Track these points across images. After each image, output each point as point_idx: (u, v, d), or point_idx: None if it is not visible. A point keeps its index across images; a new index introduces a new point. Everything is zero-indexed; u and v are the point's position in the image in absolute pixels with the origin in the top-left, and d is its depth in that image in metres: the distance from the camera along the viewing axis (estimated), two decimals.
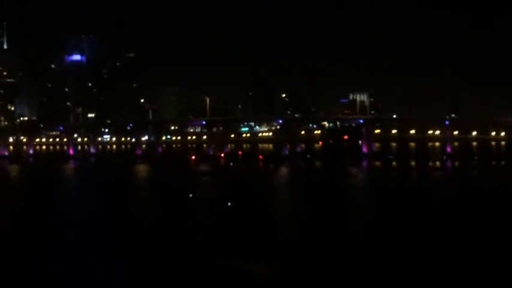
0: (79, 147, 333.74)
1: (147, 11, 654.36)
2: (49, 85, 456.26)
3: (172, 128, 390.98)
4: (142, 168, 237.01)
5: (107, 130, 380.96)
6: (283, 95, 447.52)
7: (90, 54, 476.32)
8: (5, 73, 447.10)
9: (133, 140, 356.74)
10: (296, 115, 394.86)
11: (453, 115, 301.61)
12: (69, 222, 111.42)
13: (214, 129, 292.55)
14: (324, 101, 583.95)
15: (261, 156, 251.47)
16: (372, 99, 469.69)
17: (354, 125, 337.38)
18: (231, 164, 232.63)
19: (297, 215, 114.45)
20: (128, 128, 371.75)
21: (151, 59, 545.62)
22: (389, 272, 70.73)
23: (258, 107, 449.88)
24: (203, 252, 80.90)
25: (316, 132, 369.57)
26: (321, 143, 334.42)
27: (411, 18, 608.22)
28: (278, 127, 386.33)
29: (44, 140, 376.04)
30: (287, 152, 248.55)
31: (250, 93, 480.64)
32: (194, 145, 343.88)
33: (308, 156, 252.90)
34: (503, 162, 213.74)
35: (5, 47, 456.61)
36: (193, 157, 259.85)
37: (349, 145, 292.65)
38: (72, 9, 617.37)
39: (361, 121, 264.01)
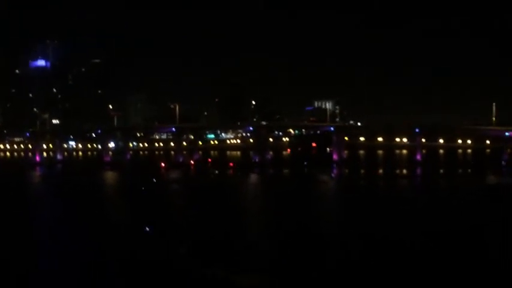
0: (44, 153, 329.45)
1: (115, 16, 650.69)
2: (13, 90, 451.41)
3: (138, 134, 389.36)
4: (111, 175, 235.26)
5: (71, 136, 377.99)
6: (253, 102, 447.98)
7: (55, 60, 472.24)
8: None
9: (100, 146, 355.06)
10: (262, 122, 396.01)
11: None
12: (35, 229, 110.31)
13: (184, 136, 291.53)
14: (289, 109, 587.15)
15: (231, 164, 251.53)
16: (337, 107, 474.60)
17: (318, 132, 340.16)
18: (202, 171, 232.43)
19: (270, 222, 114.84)
20: (93, 134, 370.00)
21: (117, 66, 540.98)
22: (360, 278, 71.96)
23: (223, 114, 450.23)
24: (176, 258, 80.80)
25: (284, 139, 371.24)
26: (289, 150, 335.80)
27: (375, 29, 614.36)
28: (245, 134, 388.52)
29: (8, 146, 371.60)
30: (257, 159, 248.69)
31: (216, 100, 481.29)
32: (162, 152, 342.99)
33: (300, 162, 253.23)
34: (469, 170, 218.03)
35: None
36: (163, 164, 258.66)
37: (318, 152, 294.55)
38: (36, 14, 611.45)
39: (332, 128, 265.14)
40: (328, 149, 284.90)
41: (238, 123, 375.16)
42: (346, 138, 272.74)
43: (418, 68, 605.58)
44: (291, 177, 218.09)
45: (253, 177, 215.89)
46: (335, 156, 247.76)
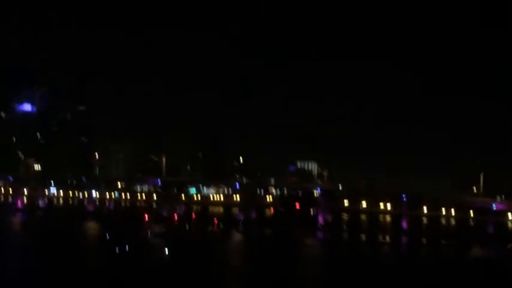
0: (25, 199, 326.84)
1: (101, 64, 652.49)
2: None
3: (120, 185, 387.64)
4: (94, 225, 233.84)
5: (53, 183, 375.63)
6: (241, 159, 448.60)
7: (40, 105, 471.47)
8: None
9: (81, 195, 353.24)
10: (244, 179, 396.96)
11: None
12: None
13: (174, 190, 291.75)
14: (271, 167, 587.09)
15: (215, 220, 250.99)
16: (319, 169, 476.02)
17: (301, 192, 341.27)
18: (186, 226, 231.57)
19: (253, 283, 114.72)
20: (74, 182, 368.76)
21: (102, 114, 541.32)
22: None
23: (206, 169, 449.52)
24: None
25: (267, 198, 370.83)
26: (272, 209, 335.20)
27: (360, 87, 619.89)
28: (228, 190, 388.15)
29: None
30: (241, 217, 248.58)
31: (200, 154, 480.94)
32: (144, 204, 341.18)
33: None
34: (452, 241, 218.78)
35: None
36: (146, 217, 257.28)
37: (301, 213, 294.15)
38: (23, 58, 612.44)
39: (319, 190, 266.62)
40: (311, 210, 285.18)
41: (219, 180, 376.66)
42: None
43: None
44: (275, 237, 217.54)
45: (237, 236, 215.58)
46: (320, 219, 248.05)
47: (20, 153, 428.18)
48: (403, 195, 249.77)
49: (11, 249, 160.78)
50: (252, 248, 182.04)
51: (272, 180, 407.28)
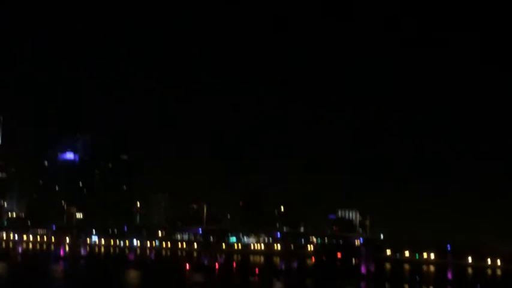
0: (67, 248, 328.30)
1: (144, 115, 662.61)
2: (40, 182, 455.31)
3: (161, 234, 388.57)
4: (135, 274, 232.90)
5: (94, 231, 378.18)
6: (282, 208, 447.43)
7: (83, 154, 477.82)
8: None
9: (122, 243, 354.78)
10: (285, 228, 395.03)
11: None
12: None
13: (211, 238, 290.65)
14: (312, 215, 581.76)
15: (257, 270, 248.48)
16: (360, 218, 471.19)
17: (341, 241, 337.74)
18: (227, 275, 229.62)
19: None
20: (115, 230, 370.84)
21: (143, 163, 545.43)
22: None
23: (247, 218, 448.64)
24: None
25: (308, 247, 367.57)
26: (313, 259, 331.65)
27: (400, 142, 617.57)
28: (268, 239, 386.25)
29: (31, 238, 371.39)
30: (283, 267, 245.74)
31: (240, 203, 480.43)
32: (185, 253, 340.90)
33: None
34: None
35: (0, 142, 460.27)
36: (187, 265, 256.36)
37: (343, 263, 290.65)
38: (69, 109, 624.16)
39: (361, 240, 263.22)
40: (353, 260, 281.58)
41: (259, 228, 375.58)
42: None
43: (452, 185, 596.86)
44: None
45: (278, 286, 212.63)
46: (363, 269, 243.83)
47: (63, 201, 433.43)
48: (448, 245, 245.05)
49: None
50: None
51: (312, 229, 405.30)
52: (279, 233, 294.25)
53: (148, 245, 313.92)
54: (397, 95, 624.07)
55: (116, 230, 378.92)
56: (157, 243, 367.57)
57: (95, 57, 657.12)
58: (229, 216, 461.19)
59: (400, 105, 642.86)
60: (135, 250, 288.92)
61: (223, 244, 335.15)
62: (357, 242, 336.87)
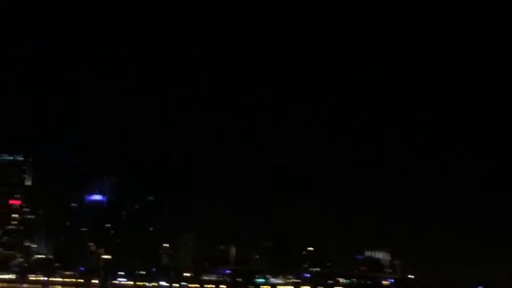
0: None
1: (169, 156, 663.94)
2: (67, 223, 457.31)
3: (187, 275, 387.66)
4: None
5: (122, 273, 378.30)
6: (310, 248, 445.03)
7: (110, 195, 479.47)
8: (26, 209, 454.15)
9: (149, 284, 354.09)
10: (312, 269, 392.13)
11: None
12: None
13: (239, 279, 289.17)
14: (340, 256, 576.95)
15: None
16: (390, 257, 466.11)
17: (369, 282, 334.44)
18: None
19: None
20: (143, 272, 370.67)
21: (169, 204, 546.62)
22: None
23: (274, 259, 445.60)
24: None
25: None
26: None
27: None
28: (297, 280, 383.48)
29: (59, 279, 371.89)
30: None
31: (268, 243, 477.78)
32: None
33: None
34: None
35: (29, 183, 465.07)
36: None
37: None
38: (95, 149, 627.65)
39: (392, 280, 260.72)
40: None
41: (287, 269, 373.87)
42: None
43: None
44: None
45: None
46: None
47: (91, 244, 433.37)
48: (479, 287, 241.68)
49: None
50: None
51: (340, 270, 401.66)
52: (307, 274, 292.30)
53: (176, 286, 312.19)
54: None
55: (143, 272, 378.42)
56: (184, 284, 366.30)
57: (122, 100, 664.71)
58: (257, 257, 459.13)
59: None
60: None
61: (251, 285, 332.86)
62: (386, 283, 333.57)
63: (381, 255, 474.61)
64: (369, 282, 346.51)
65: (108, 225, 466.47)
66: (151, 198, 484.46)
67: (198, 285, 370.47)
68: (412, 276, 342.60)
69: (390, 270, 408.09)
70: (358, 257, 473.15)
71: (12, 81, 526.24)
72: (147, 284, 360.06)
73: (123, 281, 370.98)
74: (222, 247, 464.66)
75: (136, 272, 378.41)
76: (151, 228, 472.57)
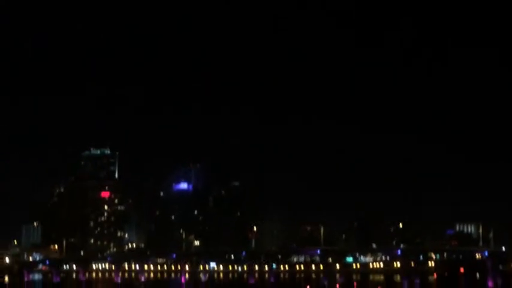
0: (187, 275, 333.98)
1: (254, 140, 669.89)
2: (157, 213, 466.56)
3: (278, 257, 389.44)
4: None
5: (212, 258, 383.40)
6: (400, 225, 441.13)
7: (196, 183, 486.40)
8: (116, 201, 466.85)
9: (240, 268, 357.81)
10: (402, 245, 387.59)
11: None
12: None
13: (329, 259, 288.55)
14: (430, 231, 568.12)
15: None
16: (482, 231, 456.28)
17: (461, 256, 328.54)
18: None
19: None
20: (232, 256, 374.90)
21: (256, 188, 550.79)
22: None
23: (362, 237, 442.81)
24: None
25: (429, 263, 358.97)
26: (435, 275, 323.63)
27: None
28: (386, 257, 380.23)
29: (152, 267, 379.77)
30: (406, 285, 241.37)
31: (355, 223, 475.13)
32: (303, 275, 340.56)
33: None
34: None
35: (117, 175, 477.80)
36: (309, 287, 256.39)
37: (467, 278, 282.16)
38: (180, 139, 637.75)
39: (486, 253, 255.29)
40: (477, 274, 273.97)
41: (374, 246, 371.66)
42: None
43: None
44: None
45: None
46: (490, 285, 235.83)
47: (181, 230, 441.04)
48: None
49: None
50: None
51: (430, 245, 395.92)
52: (399, 250, 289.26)
53: (266, 268, 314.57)
54: None
55: (232, 256, 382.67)
56: (274, 266, 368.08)
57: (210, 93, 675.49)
58: (344, 237, 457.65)
59: None
60: (254, 275, 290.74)
61: (341, 264, 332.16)
62: (478, 256, 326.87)
63: (472, 228, 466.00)
64: (461, 256, 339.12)
65: (196, 212, 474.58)
66: (236, 183, 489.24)
67: (287, 267, 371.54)
68: (504, 248, 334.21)
69: (481, 243, 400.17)
70: (448, 231, 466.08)
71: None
72: (237, 267, 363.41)
73: (213, 265, 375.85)
74: (309, 228, 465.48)
75: (226, 256, 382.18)
76: (238, 213, 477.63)
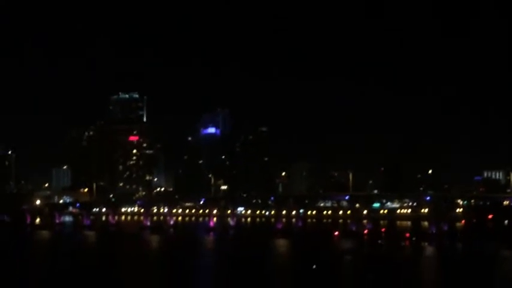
0: (215, 219, 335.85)
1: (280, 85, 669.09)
2: (185, 157, 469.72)
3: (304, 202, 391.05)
4: (283, 243, 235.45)
5: (240, 202, 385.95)
6: (429, 171, 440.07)
7: (224, 128, 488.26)
8: (144, 145, 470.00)
9: (267, 213, 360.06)
10: (429, 192, 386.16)
11: None
12: None
13: (357, 205, 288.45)
14: (457, 178, 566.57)
15: (407, 234, 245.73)
16: (509, 178, 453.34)
17: (488, 203, 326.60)
18: (379, 241, 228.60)
19: None
20: (259, 201, 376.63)
21: (282, 133, 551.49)
22: None
23: (389, 183, 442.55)
24: None
25: (457, 210, 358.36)
26: (463, 221, 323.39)
27: None
28: (413, 203, 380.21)
29: (180, 211, 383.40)
30: (434, 231, 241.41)
31: (381, 168, 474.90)
32: (330, 220, 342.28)
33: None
34: None
35: (145, 119, 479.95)
36: (336, 233, 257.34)
37: (495, 225, 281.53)
38: (206, 84, 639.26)
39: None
40: (505, 221, 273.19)
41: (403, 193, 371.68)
42: None
43: None
44: (472, 254, 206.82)
45: (431, 251, 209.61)
46: None
47: (210, 174, 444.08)
48: None
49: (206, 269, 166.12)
50: (448, 265, 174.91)
51: (457, 192, 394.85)
52: (428, 197, 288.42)
53: (294, 213, 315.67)
54: None
55: (260, 200, 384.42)
56: (302, 211, 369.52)
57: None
58: (370, 182, 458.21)
59: None
60: (282, 219, 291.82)
61: (369, 210, 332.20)
62: (506, 202, 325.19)
63: (500, 175, 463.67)
64: (488, 203, 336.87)
65: (224, 157, 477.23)
66: (264, 129, 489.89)
67: (315, 212, 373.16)
68: None
69: (509, 190, 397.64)
70: (476, 178, 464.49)
71: None
72: (265, 212, 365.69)
73: (241, 209, 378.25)
74: (336, 174, 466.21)
75: (254, 201, 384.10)
76: (266, 158, 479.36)
